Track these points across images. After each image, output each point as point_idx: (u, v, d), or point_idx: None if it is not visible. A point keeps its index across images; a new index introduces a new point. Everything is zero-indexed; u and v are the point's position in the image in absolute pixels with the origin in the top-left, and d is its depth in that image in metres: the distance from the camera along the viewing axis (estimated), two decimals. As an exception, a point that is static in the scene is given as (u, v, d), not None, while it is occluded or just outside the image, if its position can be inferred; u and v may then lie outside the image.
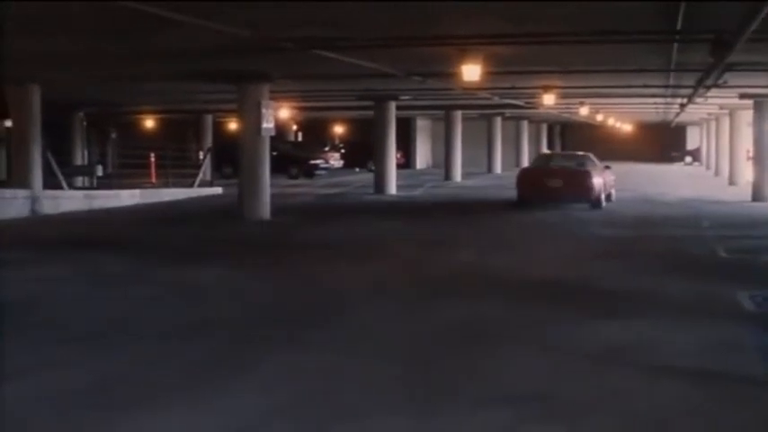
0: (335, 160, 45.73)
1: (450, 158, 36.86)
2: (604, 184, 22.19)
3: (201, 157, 32.31)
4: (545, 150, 50.65)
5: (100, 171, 29.81)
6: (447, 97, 27.83)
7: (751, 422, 5.74)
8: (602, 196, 21.83)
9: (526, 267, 12.18)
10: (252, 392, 6.17)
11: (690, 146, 60.02)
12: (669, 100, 28.15)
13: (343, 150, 49.21)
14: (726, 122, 34.10)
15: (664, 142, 59.34)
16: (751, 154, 26.80)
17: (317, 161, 39.41)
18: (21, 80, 19.68)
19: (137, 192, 24.24)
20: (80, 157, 32.38)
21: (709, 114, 38.27)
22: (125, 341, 7.74)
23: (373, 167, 29.43)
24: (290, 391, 6.24)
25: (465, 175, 36.75)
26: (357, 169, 44.32)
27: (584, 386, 6.41)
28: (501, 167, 42.90)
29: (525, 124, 48.66)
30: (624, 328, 8.25)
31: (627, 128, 55.40)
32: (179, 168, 29.32)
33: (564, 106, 32.00)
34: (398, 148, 31.62)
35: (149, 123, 45.01)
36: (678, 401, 6.04)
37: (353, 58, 15.02)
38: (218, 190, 27.88)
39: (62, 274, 11.34)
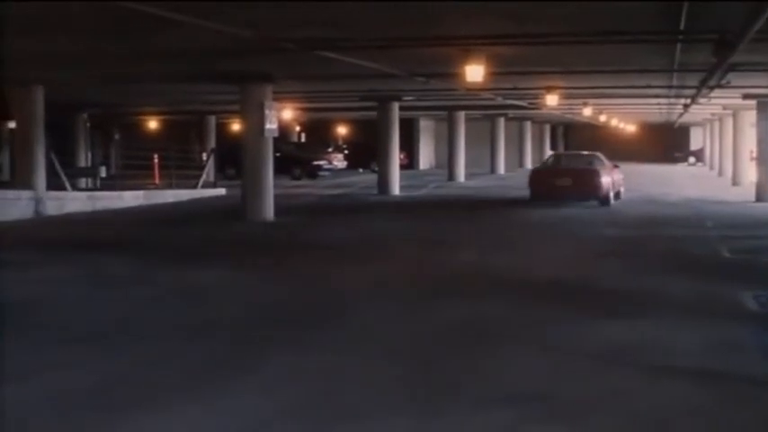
0: (339, 161, 45.71)
1: (453, 159, 36.85)
2: (613, 183, 22.94)
3: (205, 158, 32.31)
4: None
5: (103, 172, 29.90)
6: (450, 98, 27.82)
7: (752, 422, 5.72)
8: (611, 194, 22.54)
9: (533, 267, 12.17)
10: (253, 393, 6.17)
11: (693, 146, 59.97)
12: (672, 100, 28.13)
13: (346, 151, 49.19)
14: (729, 123, 34.06)
15: (667, 143, 59.29)
16: (754, 154, 26.73)
17: (321, 162, 39.42)
18: (24, 81, 19.70)
19: (140, 193, 24.27)
20: (83, 159, 32.38)
21: (713, 115, 38.22)
22: (126, 342, 7.74)
23: (376, 168, 29.43)
24: (290, 391, 6.24)
25: (468, 175, 36.74)
26: (360, 170, 44.33)
27: (584, 386, 6.40)
28: (504, 168, 42.89)
29: (528, 125, 48.65)
30: (628, 327, 8.24)
31: (630, 128, 55.35)
32: (182, 169, 29.34)
33: (567, 107, 32.00)
34: (402, 148, 31.63)
35: (152, 124, 45.05)
36: (679, 402, 6.03)
37: (355, 58, 15.02)
38: (221, 191, 27.90)
39: (65, 275, 11.35)
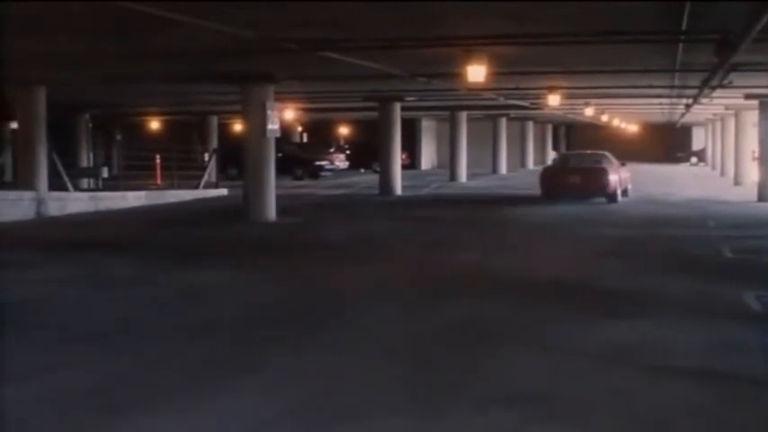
0: (341, 161, 45.73)
1: (455, 159, 36.85)
2: (620, 180, 24.09)
3: (207, 158, 32.33)
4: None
5: (105, 173, 29.90)
6: (452, 98, 27.83)
7: (752, 422, 5.71)
8: (618, 191, 23.72)
9: (533, 267, 12.17)
10: (253, 393, 6.17)
11: (695, 146, 59.94)
12: (674, 100, 28.12)
13: (348, 151, 49.20)
14: (731, 123, 34.02)
15: (669, 143, 59.28)
16: (756, 154, 26.73)
17: (323, 162, 39.43)
18: (25, 82, 19.71)
19: (142, 193, 24.28)
20: (86, 159, 32.40)
21: (715, 115, 38.20)
22: (126, 342, 7.75)
23: (378, 168, 29.43)
24: (290, 391, 6.24)
25: (470, 175, 36.73)
26: (362, 170, 44.32)
27: (585, 386, 6.39)
28: (506, 168, 42.89)
29: (530, 125, 48.65)
30: (629, 327, 8.22)
31: (632, 128, 55.33)
32: (184, 170, 29.34)
33: (569, 107, 31.97)
34: (404, 148, 31.63)
35: (154, 125, 45.07)
36: (679, 402, 6.02)
37: (357, 59, 15.01)
38: (223, 191, 27.90)
39: (65, 275, 11.35)
